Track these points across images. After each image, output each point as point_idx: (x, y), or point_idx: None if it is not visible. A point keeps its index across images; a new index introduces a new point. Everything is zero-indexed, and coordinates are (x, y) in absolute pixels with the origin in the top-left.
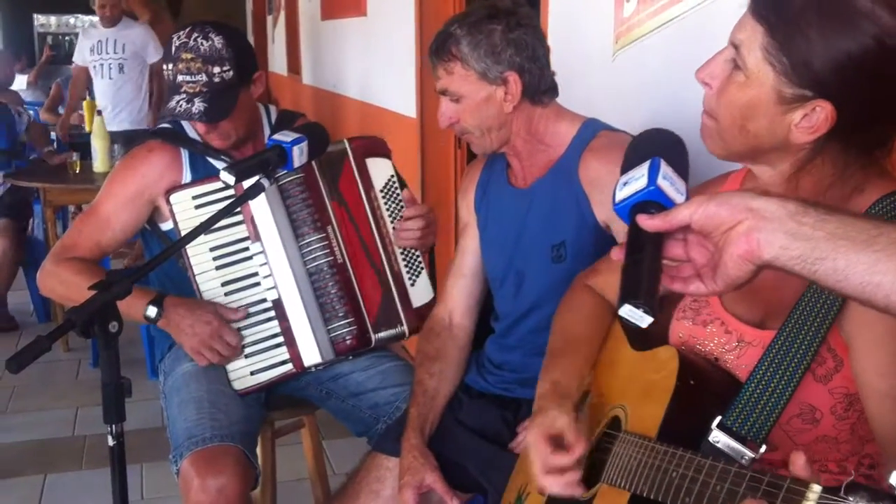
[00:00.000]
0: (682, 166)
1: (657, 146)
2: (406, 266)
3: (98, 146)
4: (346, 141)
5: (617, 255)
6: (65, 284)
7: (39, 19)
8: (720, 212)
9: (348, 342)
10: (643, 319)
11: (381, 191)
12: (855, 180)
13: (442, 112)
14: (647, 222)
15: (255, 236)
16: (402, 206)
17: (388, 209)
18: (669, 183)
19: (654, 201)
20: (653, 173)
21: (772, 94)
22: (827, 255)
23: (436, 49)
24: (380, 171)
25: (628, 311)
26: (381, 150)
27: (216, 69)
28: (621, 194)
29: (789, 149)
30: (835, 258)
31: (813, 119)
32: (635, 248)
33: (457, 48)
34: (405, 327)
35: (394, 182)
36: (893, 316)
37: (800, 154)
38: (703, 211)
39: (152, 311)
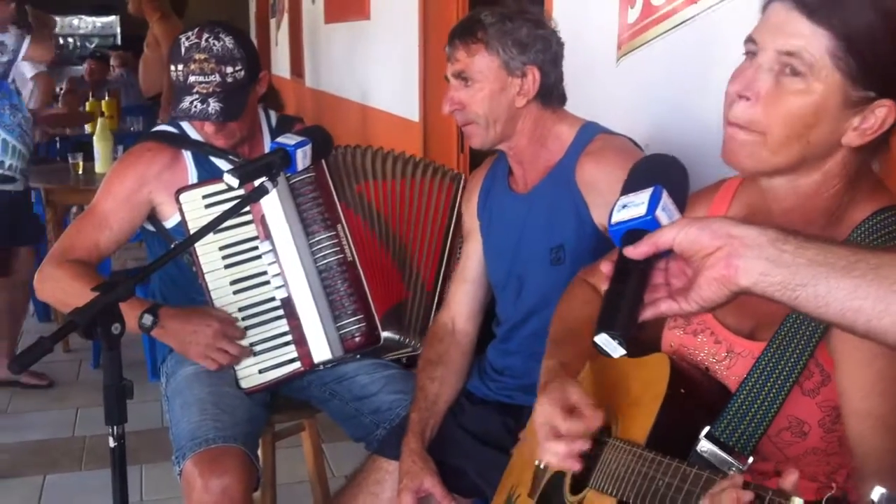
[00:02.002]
0: (681, 198)
1: (662, 174)
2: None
3: (100, 147)
4: (461, 175)
5: (606, 267)
6: (63, 289)
7: None
8: (701, 236)
9: (357, 339)
10: (616, 350)
11: None
12: (853, 191)
13: (450, 96)
14: (634, 251)
15: (266, 235)
16: None
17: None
18: (667, 215)
19: (648, 230)
20: (653, 203)
21: (839, 97)
22: (808, 282)
23: (460, 31)
24: None
25: (604, 340)
26: None
27: (229, 69)
28: (618, 216)
29: (834, 156)
30: (815, 284)
31: (871, 120)
32: (621, 276)
33: (484, 33)
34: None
35: None
36: (874, 341)
37: (838, 162)
38: (684, 234)
39: (148, 320)
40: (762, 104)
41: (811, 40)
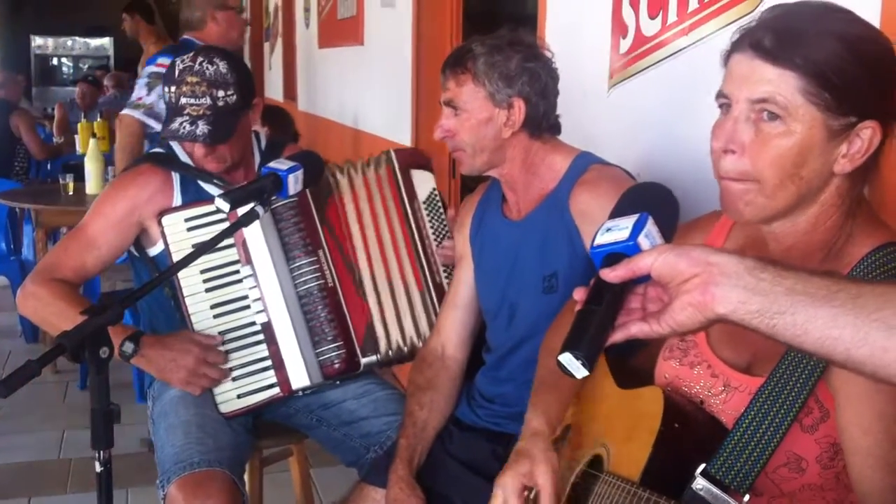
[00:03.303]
0: (668, 228)
1: (651, 202)
2: (448, 277)
3: (92, 168)
4: (391, 151)
5: (579, 294)
6: (46, 308)
7: (37, 40)
8: (679, 263)
9: (336, 366)
10: (579, 371)
11: (425, 203)
12: (851, 225)
13: (440, 123)
14: (611, 274)
15: (247, 259)
16: (444, 222)
17: (430, 221)
18: (650, 242)
19: (628, 255)
20: (636, 229)
21: (822, 131)
22: (786, 310)
23: (452, 61)
24: (424, 183)
25: (567, 360)
26: (425, 163)
27: (220, 93)
28: (601, 239)
29: (828, 186)
30: (794, 312)
31: (857, 144)
32: (595, 297)
33: (473, 63)
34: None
35: (436, 196)
36: (851, 371)
37: (833, 192)
38: (662, 259)
39: (129, 348)
40: (748, 154)
41: (780, 84)
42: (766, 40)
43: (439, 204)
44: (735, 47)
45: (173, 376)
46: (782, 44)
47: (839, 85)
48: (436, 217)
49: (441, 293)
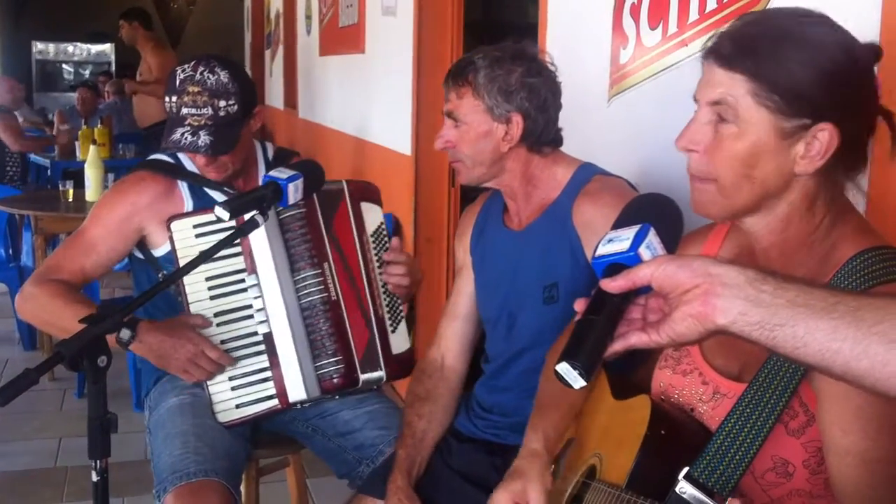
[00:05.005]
0: (672, 239)
1: (655, 213)
2: (389, 312)
3: (91, 175)
4: (343, 182)
5: (580, 305)
6: (42, 308)
7: (38, 46)
8: (679, 273)
9: (335, 380)
10: (576, 381)
11: (373, 235)
12: (835, 229)
13: (441, 134)
14: (611, 284)
15: (252, 269)
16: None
17: (376, 254)
18: (651, 253)
19: (629, 266)
20: (637, 240)
21: (772, 133)
22: (786, 322)
23: (454, 73)
24: (372, 216)
25: (564, 369)
26: (375, 197)
27: (222, 103)
28: (603, 250)
29: (793, 186)
30: (794, 325)
31: (815, 146)
32: (596, 308)
33: (473, 76)
34: (383, 372)
35: (383, 229)
36: (850, 384)
37: (800, 192)
38: (662, 270)
39: (126, 334)
40: (707, 154)
41: (730, 86)
42: (724, 47)
43: (386, 239)
44: (703, 55)
45: (172, 363)
46: (737, 50)
47: (788, 87)
48: (382, 249)
49: (382, 326)
